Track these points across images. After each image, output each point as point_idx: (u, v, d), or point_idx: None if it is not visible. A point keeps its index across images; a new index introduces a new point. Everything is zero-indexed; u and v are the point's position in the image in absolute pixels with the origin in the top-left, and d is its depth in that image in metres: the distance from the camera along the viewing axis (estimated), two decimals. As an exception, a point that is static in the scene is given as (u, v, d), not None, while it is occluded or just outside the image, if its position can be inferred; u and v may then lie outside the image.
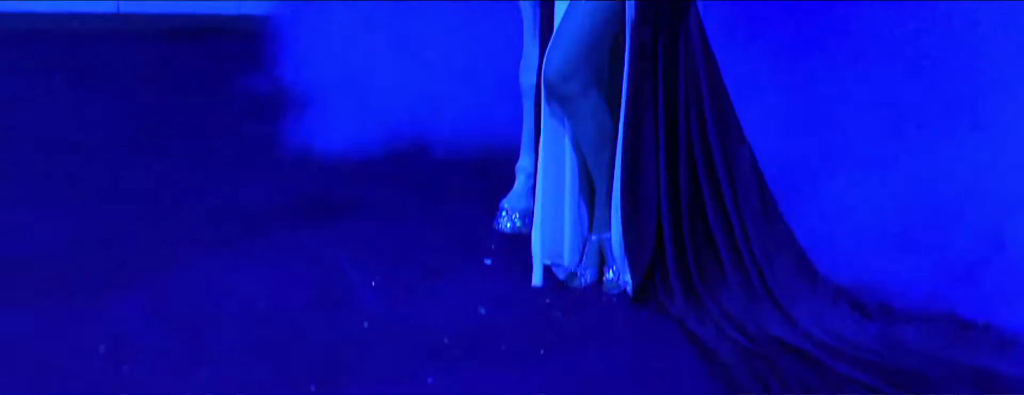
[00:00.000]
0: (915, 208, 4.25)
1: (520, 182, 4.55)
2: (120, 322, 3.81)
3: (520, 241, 4.22)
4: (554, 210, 4.09)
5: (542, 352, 3.76)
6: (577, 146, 4.05)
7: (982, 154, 4.23)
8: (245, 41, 5.90)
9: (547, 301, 4.04)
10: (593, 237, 4.13)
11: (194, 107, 5.66)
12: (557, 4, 4.02)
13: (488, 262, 4.28)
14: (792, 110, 4.76)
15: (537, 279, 4.08)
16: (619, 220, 4.03)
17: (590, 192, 4.13)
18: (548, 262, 4.13)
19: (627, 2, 3.88)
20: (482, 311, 3.96)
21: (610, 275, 4.11)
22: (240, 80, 5.64)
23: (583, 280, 4.13)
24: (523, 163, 4.54)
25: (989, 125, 4.27)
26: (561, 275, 4.14)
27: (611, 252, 4.09)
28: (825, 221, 4.23)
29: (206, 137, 5.33)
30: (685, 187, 3.99)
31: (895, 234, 4.19)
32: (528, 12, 4.34)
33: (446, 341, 3.78)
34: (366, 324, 3.87)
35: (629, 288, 4.04)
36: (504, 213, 4.52)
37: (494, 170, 4.88)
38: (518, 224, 4.46)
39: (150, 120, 5.51)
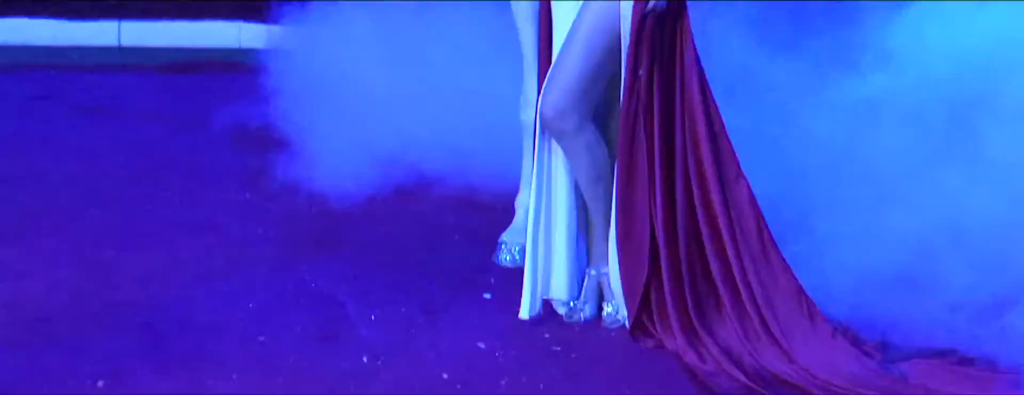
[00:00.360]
0: (914, 243, 4.25)
1: (519, 216, 4.56)
2: (118, 358, 3.81)
3: (519, 275, 4.21)
4: (545, 244, 4.10)
5: (541, 387, 3.76)
6: (573, 181, 4.06)
7: (984, 190, 4.23)
8: (245, 75, 5.90)
9: (546, 336, 4.04)
10: (592, 272, 4.14)
11: (193, 142, 5.67)
12: (556, 39, 4.04)
13: (487, 296, 4.28)
14: (790, 145, 4.76)
15: (524, 312, 4.08)
16: (615, 255, 4.03)
17: (588, 227, 4.13)
18: (546, 296, 4.14)
19: (622, 38, 3.89)
20: (481, 346, 3.96)
21: (609, 310, 4.11)
22: (240, 115, 5.65)
23: (582, 315, 4.13)
24: (522, 197, 4.55)
25: (993, 161, 4.27)
26: (561, 310, 4.14)
27: (610, 287, 4.09)
28: (824, 257, 4.23)
29: (205, 172, 5.33)
30: (682, 222, 3.99)
31: (894, 270, 4.19)
32: (528, 48, 4.36)
33: (445, 376, 3.78)
34: (365, 359, 3.87)
35: (627, 322, 4.04)
36: (503, 247, 4.52)
37: (494, 204, 4.89)
38: (517, 258, 4.47)
39: (149, 154, 5.51)
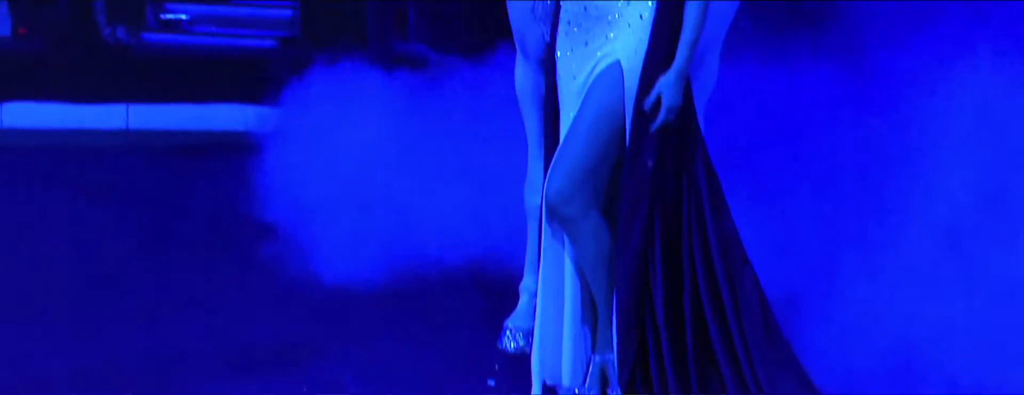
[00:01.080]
0: (921, 329, 4.22)
1: (524, 302, 4.53)
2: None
3: (524, 361, 4.19)
4: (554, 330, 4.07)
5: (546, 475, 3.72)
6: (578, 266, 4.04)
7: (986, 275, 4.21)
8: (251, 157, 5.93)
9: (551, 422, 4.01)
10: (596, 357, 4.11)
11: (197, 224, 5.67)
12: (562, 125, 4.03)
13: (491, 383, 4.25)
14: (798, 228, 4.76)
15: (534, 398, 4.06)
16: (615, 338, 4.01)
17: (593, 312, 4.11)
18: (550, 382, 4.10)
19: (627, 126, 3.89)
20: (485, 432, 3.94)
21: (613, 396, 4.08)
22: (244, 197, 5.65)
23: (587, 401, 4.09)
24: (527, 283, 4.53)
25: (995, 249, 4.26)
26: (565, 396, 4.12)
27: (614, 373, 4.06)
28: (830, 342, 4.20)
29: (209, 255, 5.34)
30: (689, 309, 3.97)
31: (901, 356, 4.16)
32: (533, 133, 4.36)
33: (449, 464, 3.76)
34: (369, 447, 3.85)
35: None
36: (508, 333, 4.50)
37: (498, 289, 4.87)
38: (522, 344, 4.44)
39: (153, 239, 5.52)
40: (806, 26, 5.43)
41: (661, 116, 3.83)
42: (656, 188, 3.91)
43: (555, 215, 3.98)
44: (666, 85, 3.83)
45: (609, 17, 3.90)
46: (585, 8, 3.92)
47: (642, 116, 3.86)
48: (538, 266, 4.13)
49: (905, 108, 4.61)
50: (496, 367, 4.36)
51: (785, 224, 4.72)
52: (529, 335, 4.40)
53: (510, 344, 4.49)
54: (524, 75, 4.39)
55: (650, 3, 3.87)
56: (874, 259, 4.40)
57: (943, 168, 4.38)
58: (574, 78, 3.98)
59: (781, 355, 3.97)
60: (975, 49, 4.44)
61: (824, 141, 4.86)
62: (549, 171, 3.98)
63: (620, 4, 3.89)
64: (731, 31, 4.33)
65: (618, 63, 3.90)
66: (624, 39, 3.90)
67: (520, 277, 4.60)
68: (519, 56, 4.41)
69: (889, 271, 4.34)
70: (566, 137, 3.97)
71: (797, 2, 5.61)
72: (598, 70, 3.93)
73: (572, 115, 3.97)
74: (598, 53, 3.92)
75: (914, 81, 4.60)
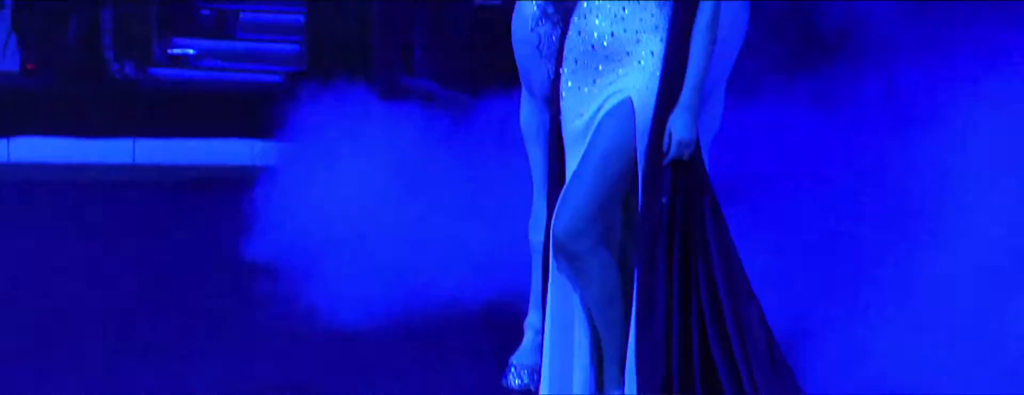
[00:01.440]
0: (930, 366, 4.20)
1: (528, 338, 4.52)
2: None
3: (529, 398, 4.18)
4: (561, 367, 4.05)
5: None
6: (585, 303, 4.03)
7: (1001, 316, 4.19)
8: (256, 192, 5.94)
9: (555, 461, 3.99)
10: (601, 395, 4.10)
11: (203, 261, 5.67)
12: (568, 161, 4.03)
13: (496, 420, 4.25)
14: (803, 261, 4.75)
15: (542, 435, 4.03)
16: (633, 375, 3.99)
17: (598, 350, 4.09)
18: (557, 420, 4.09)
19: (639, 163, 3.88)
20: (490, 471, 3.92)
21: (618, 433, 4.06)
22: (248, 232, 5.66)
23: (591, 438, 4.07)
24: (531, 319, 4.51)
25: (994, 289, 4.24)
26: (570, 433, 4.09)
27: (619, 410, 4.05)
28: (836, 376, 4.18)
29: (213, 291, 5.33)
30: (696, 342, 3.96)
31: (907, 391, 4.15)
32: (538, 169, 4.35)
33: None
34: (373, 487, 3.83)
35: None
36: (513, 370, 4.48)
37: (503, 325, 4.86)
38: (526, 381, 4.43)
39: (158, 273, 5.51)
40: (823, 47, 5.43)
41: (673, 151, 3.83)
42: (673, 224, 3.90)
43: (563, 251, 3.97)
44: (675, 121, 3.84)
45: (619, 55, 3.90)
46: (592, 46, 3.92)
47: (655, 152, 3.86)
48: (543, 303, 4.12)
49: (924, 141, 4.59)
50: (501, 404, 4.36)
51: (793, 257, 4.71)
52: (534, 372, 4.38)
53: (515, 381, 4.47)
54: (529, 112, 4.38)
55: (660, 40, 3.87)
56: (883, 293, 4.39)
57: (966, 202, 4.36)
58: (581, 115, 3.97)
59: (787, 389, 3.95)
60: (990, 74, 4.44)
61: (829, 174, 4.86)
62: (556, 207, 3.97)
63: (630, 42, 3.89)
64: (748, 61, 4.34)
65: (629, 100, 3.89)
66: (635, 76, 3.89)
67: (525, 313, 4.59)
68: (524, 93, 4.41)
69: (898, 306, 4.32)
70: (575, 173, 3.96)
71: (812, 22, 5.62)
72: (607, 107, 3.92)
73: (578, 152, 3.97)
74: (607, 90, 3.92)
75: (934, 102, 4.58)
